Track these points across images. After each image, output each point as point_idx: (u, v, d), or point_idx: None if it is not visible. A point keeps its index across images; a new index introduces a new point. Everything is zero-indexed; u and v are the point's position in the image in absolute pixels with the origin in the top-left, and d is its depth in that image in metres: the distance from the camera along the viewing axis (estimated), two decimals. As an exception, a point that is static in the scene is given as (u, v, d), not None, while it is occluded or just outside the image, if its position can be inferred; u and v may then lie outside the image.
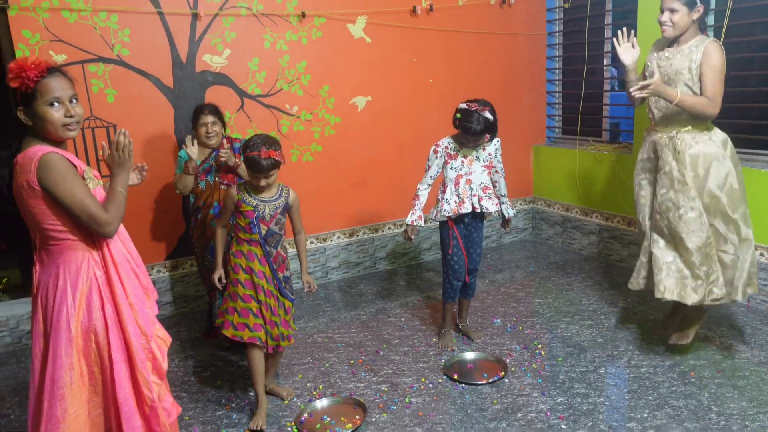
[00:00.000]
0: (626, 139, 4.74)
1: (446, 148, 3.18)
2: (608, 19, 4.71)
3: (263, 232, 2.66)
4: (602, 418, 2.63)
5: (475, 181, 3.16)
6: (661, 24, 2.85)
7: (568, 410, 2.71)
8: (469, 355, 3.25)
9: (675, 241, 2.94)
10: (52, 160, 1.85)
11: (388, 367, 3.20)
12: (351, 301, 4.15)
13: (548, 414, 2.68)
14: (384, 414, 2.76)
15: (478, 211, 3.18)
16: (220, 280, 2.73)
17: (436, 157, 3.20)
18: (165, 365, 2.16)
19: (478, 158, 3.16)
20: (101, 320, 1.97)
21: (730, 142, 2.93)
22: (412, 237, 3.31)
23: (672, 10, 2.77)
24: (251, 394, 3.00)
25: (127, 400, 2.01)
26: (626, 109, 5.09)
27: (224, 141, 3.37)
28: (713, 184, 2.86)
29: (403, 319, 3.82)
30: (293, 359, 3.33)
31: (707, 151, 2.86)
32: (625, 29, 2.95)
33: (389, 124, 4.64)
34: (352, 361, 3.29)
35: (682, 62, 2.81)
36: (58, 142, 1.94)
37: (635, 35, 2.95)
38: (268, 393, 2.93)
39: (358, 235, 4.67)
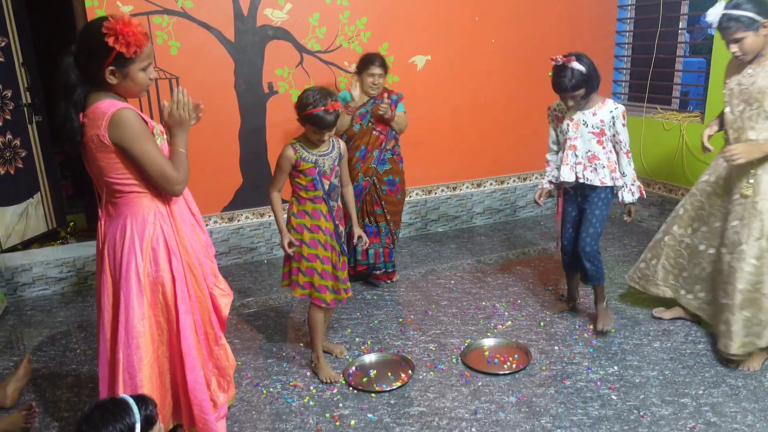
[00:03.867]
0: (696, 108, 4.51)
1: (554, 110, 2.97)
2: (687, -21, 4.43)
3: (326, 187, 2.62)
4: (654, 392, 2.57)
5: (580, 148, 2.84)
6: (734, 56, 2.58)
7: (619, 381, 2.66)
8: (488, 342, 3.02)
9: (726, 278, 2.69)
10: (127, 116, 1.84)
11: (437, 327, 3.21)
12: (401, 261, 4.16)
13: (598, 384, 2.64)
14: (431, 373, 2.78)
15: (582, 182, 2.86)
16: (290, 244, 2.63)
17: (550, 120, 3.01)
18: (224, 314, 2.23)
19: (585, 123, 2.81)
20: (168, 272, 2.00)
21: None
22: (539, 202, 3.07)
23: (736, 40, 2.50)
24: (301, 345, 3.07)
25: (190, 350, 2.06)
26: (697, 76, 4.83)
27: (385, 96, 3.49)
28: None
29: (452, 282, 3.81)
30: (343, 314, 3.38)
31: None
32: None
33: (448, 85, 4.54)
34: (400, 319, 3.31)
35: (765, 80, 2.50)
36: (124, 98, 1.95)
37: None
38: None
39: (410, 196, 4.64)
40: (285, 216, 2.70)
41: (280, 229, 2.66)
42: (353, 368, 2.82)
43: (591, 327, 3.13)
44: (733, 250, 2.65)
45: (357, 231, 2.86)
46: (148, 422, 1.68)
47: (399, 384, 2.67)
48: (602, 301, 3.12)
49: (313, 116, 2.48)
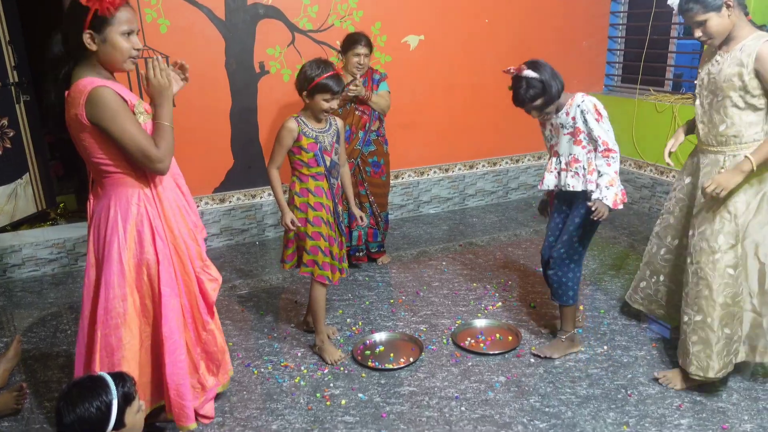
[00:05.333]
0: (690, 90, 4.50)
1: None
2: (682, -41, 4.39)
3: (328, 163, 2.62)
4: (642, 371, 2.60)
5: (562, 152, 2.57)
6: (700, 41, 2.35)
7: (608, 361, 2.68)
8: (480, 323, 3.04)
9: (696, 292, 2.40)
10: (103, 94, 1.79)
11: (428, 308, 3.23)
12: (392, 243, 4.16)
13: (587, 363, 2.67)
14: (422, 353, 2.79)
15: (563, 189, 2.59)
16: (292, 222, 2.59)
17: (540, 121, 2.69)
18: (212, 299, 2.20)
19: (562, 125, 2.53)
20: (153, 254, 1.99)
21: None
22: (542, 215, 2.89)
23: (699, 24, 2.28)
24: (292, 325, 3.08)
25: (171, 334, 2.04)
26: (691, 58, 4.81)
27: (358, 75, 3.41)
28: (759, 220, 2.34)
29: (444, 263, 3.82)
30: (334, 295, 3.39)
31: (762, 177, 2.31)
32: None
33: (441, 65, 4.51)
34: (392, 300, 3.32)
35: (731, 68, 2.27)
36: (110, 73, 1.90)
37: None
38: (311, 330, 2.99)
39: (402, 178, 4.64)
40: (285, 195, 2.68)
41: (281, 207, 2.63)
42: (365, 342, 2.86)
43: (583, 302, 3.15)
44: (701, 259, 2.38)
45: (357, 212, 2.86)
46: (126, 399, 1.66)
47: (393, 366, 2.67)
48: (564, 333, 2.72)
49: (323, 83, 2.48)
